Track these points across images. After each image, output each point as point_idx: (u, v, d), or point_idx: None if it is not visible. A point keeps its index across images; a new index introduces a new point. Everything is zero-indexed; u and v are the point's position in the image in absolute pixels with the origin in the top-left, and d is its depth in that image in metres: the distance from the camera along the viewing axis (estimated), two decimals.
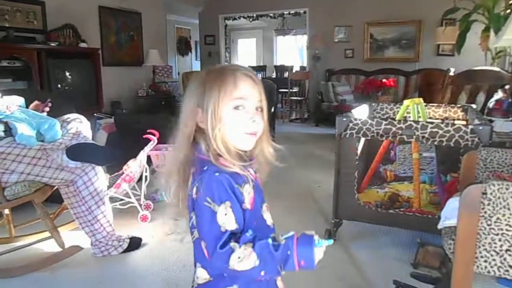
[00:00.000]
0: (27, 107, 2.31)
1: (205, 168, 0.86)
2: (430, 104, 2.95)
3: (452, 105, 3.02)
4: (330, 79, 7.21)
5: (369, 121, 2.20)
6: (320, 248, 0.84)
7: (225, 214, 0.83)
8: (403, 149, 2.94)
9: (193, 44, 10.79)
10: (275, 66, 11.12)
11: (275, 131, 5.51)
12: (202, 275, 0.92)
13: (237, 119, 0.87)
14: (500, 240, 1.20)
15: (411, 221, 2.25)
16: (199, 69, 9.57)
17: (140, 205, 2.85)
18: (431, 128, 2.06)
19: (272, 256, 0.82)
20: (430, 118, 2.84)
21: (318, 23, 7.50)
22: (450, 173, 2.69)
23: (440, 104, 3.03)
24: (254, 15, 8.83)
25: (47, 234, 2.25)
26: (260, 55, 12.43)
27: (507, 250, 1.20)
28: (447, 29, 5.54)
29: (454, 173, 2.56)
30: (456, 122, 2.54)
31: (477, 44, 4.72)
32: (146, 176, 2.94)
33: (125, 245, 2.36)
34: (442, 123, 2.08)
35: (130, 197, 2.82)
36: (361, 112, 2.72)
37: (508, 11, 4.16)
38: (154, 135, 2.85)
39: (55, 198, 2.37)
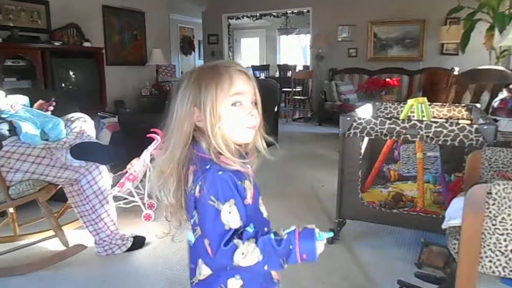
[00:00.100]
0: (31, 106, 2.32)
1: (207, 167, 0.87)
2: (434, 104, 2.94)
3: (456, 104, 3.00)
4: (333, 78, 7.20)
5: (373, 120, 2.19)
6: (321, 241, 0.88)
7: (230, 213, 0.84)
8: (407, 148, 2.93)
9: (197, 44, 10.81)
10: (278, 65, 11.11)
11: (278, 131, 5.50)
12: (204, 271, 0.93)
13: (235, 116, 0.88)
14: (505, 240, 1.19)
15: (415, 221, 2.25)
16: None
17: (144, 204, 2.86)
18: (435, 127, 2.06)
19: (275, 251, 0.83)
20: (434, 117, 2.83)
21: (321, 22, 7.49)
22: (454, 173, 2.68)
23: (444, 104, 3.02)
24: (258, 14, 8.82)
25: (51, 232, 2.26)
26: (263, 54, 12.42)
27: None
28: (451, 28, 5.52)
29: (459, 172, 2.55)
30: (460, 121, 2.52)
31: (482, 43, 4.70)
32: (149, 175, 2.94)
33: (129, 244, 2.37)
34: (446, 122, 2.08)
35: (133, 196, 2.82)
36: (364, 112, 2.72)
37: None
38: (157, 134, 2.85)
39: (59, 197, 2.38)
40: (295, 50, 12.31)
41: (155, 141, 2.85)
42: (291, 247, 0.84)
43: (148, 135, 2.86)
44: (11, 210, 2.42)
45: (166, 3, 7.01)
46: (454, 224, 1.42)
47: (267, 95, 4.76)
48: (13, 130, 2.09)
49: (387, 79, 6.28)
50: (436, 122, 2.08)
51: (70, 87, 4.86)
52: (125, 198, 2.87)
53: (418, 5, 6.51)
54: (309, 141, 5.76)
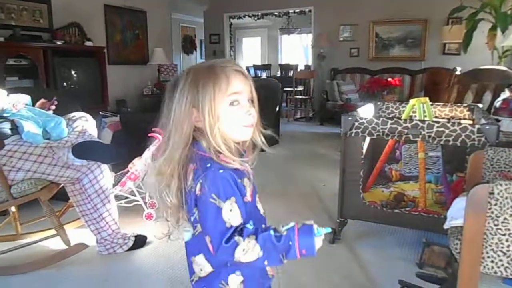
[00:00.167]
0: (33, 105, 2.32)
1: (208, 165, 0.88)
2: (436, 104, 2.93)
3: (458, 104, 3.00)
4: (335, 78, 7.19)
5: (375, 120, 2.19)
6: (320, 236, 0.88)
7: (231, 210, 0.85)
8: (409, 148, 2.93)
9: (198, 43, 10.81)
10: (280, 65, 11.11)
11: (279, 130, 5.50)
12: (206, 268, 0.94)
13: (234, 115, 0.89)
14: (507, 240, 1.19)
15: (416, 221, 2.24)
16: None
17: (145, 203, 2.86)
18: (437, 127, 2.05)
19: (274, 247, 0.85)
20: (436, 117, 2.83)
21: (323, 21, 7.48)
22: (456, 173, 2.67)
23: (446, 104, 3.02)
24: (259, 13, 8.81)
25: (53, 231, 2.27)
26: (265, 54, 12.42)
27: None
28: (453, 28, 5.51)
29: (460, 172, 2.55)
30: (462, 121, 2.52)
31: (484, 43, 4.70)
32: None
33: (130, 243, 2.37)
34: (448, 122, 2.07)
35: (135, 195, 2.83)
36: (366, 111, 2.71)
37: None
38: (159, 133, 2.85)
39: (61, 196, 2.38)
40: (297, 50, 12.29)
41: (156, 140, 2.85)
42: (290, 243, 0.85)
43: (149, 134, 2.87)
44: (13, 209, 2.43)
45: (168, 3, 7.01)
46: (456, 224, 1.42)
47: (269, 94, 4.77)
48: (15, 129, 2.10)
49: (389, 79, 6.27)
50: (438, 122, 2.08)
51: (72, 86, 4.87)
52: (127, 197, 2.87)
53: (420, 5, 6.50)
54: (310, 141, 5.76)
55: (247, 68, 11.33)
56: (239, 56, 12.37)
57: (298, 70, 9.93)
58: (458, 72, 4.24)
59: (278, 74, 10.64)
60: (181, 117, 0.89)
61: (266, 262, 0.87)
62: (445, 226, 1.49)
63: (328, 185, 3.52)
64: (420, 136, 2.10)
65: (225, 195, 0.85)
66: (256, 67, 11.15)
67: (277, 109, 5.16)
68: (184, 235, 0.99)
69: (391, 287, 1.93)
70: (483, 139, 1.96)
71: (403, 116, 2.59)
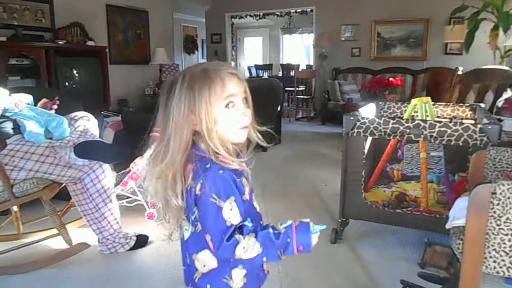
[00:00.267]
0: (35, 105, 2.33)
1: (208, 166, 0.90)
2: (438, 103, 2.93)
3: (460, 104, 2.99)
4: (336, 77, 7.19)
5: (377, 120, 2.19)
6: (316, 233, 0.93)
7: (231, 209, 0.88)
8: (411, 148, 2.93)
9: (200, 43, 10.82)
10: (282, 65, 11.10)
11: (281, 130, 5.50)
12: (210, 263, 0.96)
13: (230, 117, 0.92)
14: (509, 240, 1.19)
15: (418, 221, 2.24)
16: None
17: (147, 203, 2.86)
18: (439, 127, 2.05)
19: (273, 244, 0.89)
20: (438, 117, 2.82)
21: (325, 21, 7.47)
22: (458, 173, 2.67)
23: (448, 103, 3.01)
24: (261, 13, 8.81)
25: (54, 231, 2.27)
26: (267, 54, 12.41)
27: None
28: (455, 28, 5.49)
29: (462, 172, 2.54)
30: (464, 121, 2.52)
31: (486, 43, 4.68)
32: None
33: (132, 243, 2.37)
34: (450, 122, 2.07)
35: (137, 195, 2.83)
36: (368, 111, 2.71)
37: None
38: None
39: (63, 195, 2.39)
40: (298, 50, 12.29)
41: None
42: (288, 240, 0.89)
43: (151, 134, 2.87)
44: (15, 208, 2.44)
45: (170, 2, 7.02)
46: (458, 224, 1.42)
47: (270, 94, 4.76)
48: (17, 128, 2.10)
49: (391, 79, 6.26)
50: (440, 122, 2.08)
51: (74, 86, 4.88)
52: (128, 197, 2.87)
53: (421, 5, 6.49)
54: (312, 141, 5.76)
55: (249, 68, 11.35)
56: (241, 56, 12.38)
57: (300, 70, 9.93)
58: (460, 72, 4.23)
59: (280, 74, 10.63)
60: (181, 122, 0.90)
61: (265, 259, 0.90)
62: (447, 226, 1.49)
63: (330, 185, 3.51)
64: (422, 136, 2.10)
65: (225, 195, 0.88)
66: (257, 67, 11.15)
67: (279, 109, 5.15)
68: (184, 234, 1.00)
69: (393, 287, 1.93)
70: (485, 139, 1.96)
71: (405, 116, 2.59)
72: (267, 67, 11.09)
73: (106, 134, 3.59)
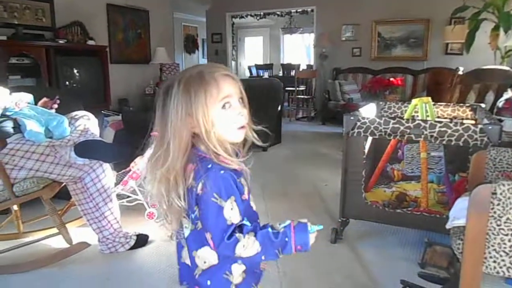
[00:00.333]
0: (35, 104, 2.33)
1: (209, 166, 0.91)
2: (439, 103, 2.93)
3: (461, 104, 2.99)
4: (337, 77, 7.19)
5: (377, 120, 2.19)
6: (313, 233, 0.95)
7: (231, 209, 0.90)
8: (411, 148, 2.93)
9: (200, 42, 10.82)
10: (282, 65, 11.10)
11: (281, 130, 5.49)
12: (211, 259, 0.98)
13: (227, 118, 0.93)
14: (510, 240, 1.19)
15: (418, 221, 2.24)
16: None
17: (147, 202, 2.86)
18: (439, 127, 2.05)
19: (272, 243, 0.92)
20: (439, 117, 2.82)
21: (325, 21, 7.47)
22: (458, 173, 2.67)
23: (449, 103, 3.01)
24: (261, 13, 8.81)
25: (55, 230, 2.27)
26: (267, 53, 12.42)
27: None
28: (456, 28, 5.49)
29: (463, 172, 2.54)
30: (465, 121, 2.51)
31: (487, 43, 4.68)
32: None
33: (132, 242, 2.37)
34: (450, 122, 2.07)
35: (137, 195, 2.83)
36: (368, 111, 2.71)
37: None
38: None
39: (63, 195, 2.39)
40: (299, 49, 12.29)
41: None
42: (287, 239, 0.92)
43: (152, 133, 2.87)
44: (15, 207, 2.44)
45: (170, 2, 7.02)
46: (458, 224, 1.42)
47: (271, 94, 4.76)
48: (18, 127, 2.10)
49: (391, 79, 6.26)
50: (440, 122, 2.08)
51: (74, 85, 4.88)
52: (129, 196, 2.87)
53: (422, 5, 6.49)
54: (312, 141, 5.75)
55: (249, 68, 11.35)
56: (241, 56, 12.38)
57: (300, 69, 9.92)
58: (460, 72, 4.23)
59: (280, 73, 10.63)
60: (179, 126, 0.92)
61: (263, 257, 0.93)
62: (447, 226, 1.49)
63: (330, 185, 3.52)
64: (423, 136, 2.10)
65: (226, 195, 0.90)
66: (258, 67, 11.15)
67: (279, 108, 5.15)
68: (184, 232, 1.01)
69: (393, 287, 1.93)
70: (485, 139, 1.96)
71: (406, 116, 2.59)
72: (267, 67, 11.09)
73: (107, 133, 3.59)
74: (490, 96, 3.47)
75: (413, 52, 6.87)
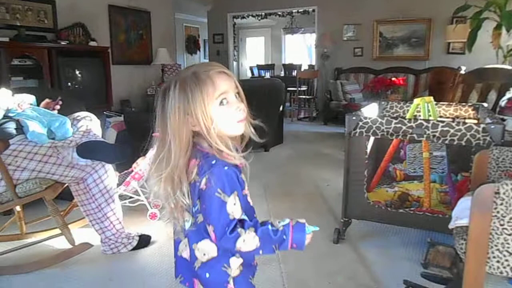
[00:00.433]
0: (38, 105, 2.33)
1: (213, 162, 0.94)
2: (441, 103, 2.92)
3: (463, 103, 2.98)
4: (338, 77, 7.18)
5: (379, 119, 2.19)
6: (309, 234, 0.99)
7: (234, 204, 0.93)
8: (413, 148, 2.92)
9: (202, 43, 10.83)
10: (284, 65, 11.10)
11: (283, 130, 5.49)
12: (211, 252, 1.00)
13: (225, 113, 0.96)
14: None
15: (421, 221, 2.23)
16: None
17: (149, 203, 2.87)
18: (442, 127, 2.04)
19: (271, 239, 0.96)
20: (441, 116, 2.82)
21: (327, 21, 7.47)
22: (461, 172, 2.66)
23: (451, 103, 3.00)
24: (263, 13, 8.81)
25: (57, 231, 2.27)
26: (269, 54, 12.41)
27: None
28: (458, 27, 5.49)
29: (465, 172, 2.53)
30: (467, 121, 2.51)
31: (489, 42, 4.68)
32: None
33: (135, 243, 2.38)
34: (453, 121, 2.06)
35: (139, 195, 2.83)
36: (370, 111, 2.71)
37: None
38: None
39: (65, 195, 2.40)
40: (300, 50, 12.28)
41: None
42: (284, 237, 0.97)
43: (154, 134, 2.87)
44: (18, 208, 2.44)
45: (172, 3, 7.02)
46: (461, 224, 1.41)
47: (272, 94, 4.76)
48: (20, 128, 2.11)
49: (393, 78, 6.25)
50: (442, 122, 2.07)
51: (76, 86, 4.88)
52: (131, 197, 2.88)
53: (424, 4, 6.48)
54: (314, 141, 5.75)
55: (251, 68, 11.35)
56: (243, 56, 12.38)
57: (302, 69, 9.93)
58: (462, 72, 4.22)
59: (282, 74, 10.63)
60: (178, 126, 0.95)
61: (261, 252, 0.97)
62: (450, 226, 1.48)
63: (332, 185, 3.51)
64: (425, 135, 2.09)
65: (230, 190, 0.93)
66: (259, 67, 11.15)
67: (281, 108, 5.15)
68: (184, 225, 1.04)
69: (396, 287, 1.93)
70: (488, 138, 1.95)
71: (408, 116, 2.58)
72: (269, 67, 11.09)
73: (109, 134, 3.60)
74: (492, 95, 3.46)
75: (415, 52, 6.86)
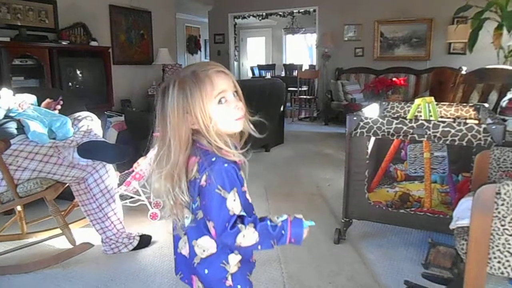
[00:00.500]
0: (39, 105, 2.33)
1: (213, 159, 0.96)
2: (442, 103, 2.92)
3: (464, 104, 2.98)
4: (339, 77, 7.18)
5: (380, 120, 2.18)
6: (306, 228, 1.01)
7: (234, 200, 0.95)
8: (414, 148, 2.92)
9: (203, 43, 10.83)
10: (284, 65, 11.11)
11: (284, 130, 5.49)
12: (210, 248, 1.02)
13: (224, 112, 0.98)
14: None
15: (422, 221, 2.23)
16: None
17: (150, 203, 2.87)
18: (443, 127, 2.04)
19: (270, 235, 0.98)
20: (442, 117, 2.81)
21: (327, 21, 7.47)
22: (462, 173, 2.66)
23: (452, 103, 3.00)
24: (264, 13, 8.82)
25: (58, 231, 2.27)
26: (269, 54, 12.42)
27: None
28: (459, 27, 5.48)
29: (466, 172, 2.53)
30: (468, 121, 2.51)
31: (490, 43, 4.67)
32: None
33: (135, 243, 2.38)
34: (454, 122, 2.06)
35: (140, 195, 2.83)
36: (371, 111, 2.71)
37: None
38: None
39: (66, 195, 2.40)
40: (301, 50, 12.29)
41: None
42: (283, 232, 0.99)
43: (154, 134, 2.87)
44: (18, 208, 2.44)
45: (173, 3, 7.02)
46: (462, 224, 1.41)
47: (273, 94, 4.76)
48: (21, 128, 2.11)
49: (394, 79, 6.24)
50: (443, 122, 2.07)
51: (77, 86, 4.89)
52: (132, 197, 2.88)
53: (425, 4, 6.48)
54: (315, 141, 5.75)
55: (252, 68, 11.35)
56: (244, 56, 12.39)
57: (303, 70, 9.92)
58: (463, 72, 4.22)
59: (283, 74, 10.64)
60: (177, 124, 0.97)
61: (259, 247, 0.98)
62: (451, 226, 1.48)
63: (333, 185, 3.51)
64: (426, 136, 2.09)
65: (229, 186, 0.95)
66: (260, 67, 11.16)
67: (282, 109, 5.15)
68: (184, 222, 1.05)
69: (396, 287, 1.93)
70: (489, 139, 1.95)
71: (409, 116, 2.58)
72: (270, 67, 11.10)
73: (110, 134, 3.60)
74: (493, 96, 3.46)
75: (416, 52, 6.86)
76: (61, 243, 2.36)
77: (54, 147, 2.11)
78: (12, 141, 2.05)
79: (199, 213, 1.01)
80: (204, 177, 0.95)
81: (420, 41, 6.78)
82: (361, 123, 2.22)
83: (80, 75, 4.94)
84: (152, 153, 2.94)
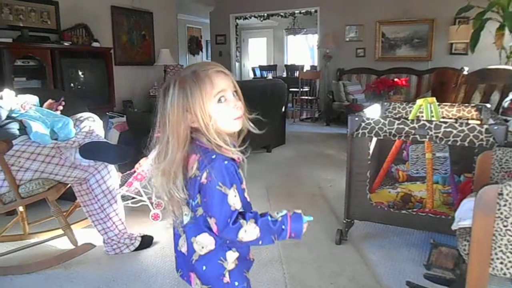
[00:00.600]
0: (41, 105, 2.34)
1: (213, 157, 0.98)
2: (443, 104, 2.92)
3: (466, 104, 2.98)
4: (341, 78, 7.18)
5: (382, 120, 2.18)
6: (305, 223, 1.03)
7: (235, 196, 0.98)
8: (416, 149, 2.91)
9: (204, 44, 10.85)
10: (286, 66, 11.11)
11: (285, 131, 5.49)
12: (209, 245, 1.04)
13: (223, 111, 1.00)
14: None
15: (424, 222, 2.23)
16: None
17: (152, 203, 2.87)
18: (445, 127, 2.04)
19: (270, 230, 1.00)
20: (444, 117, 2.81)
21: (329, 22, 7.47)
22: (464, 174, 2.65)
23: (454, 104, 3.00)
24: (265, 14, 8.82)
25: (60, 231, 2.28)
26: (271, 55, 12.42)
27: None
28: (461, 28, 5.48)
29: (468, 173, 2.53)
30: (470, 121, 2.50)
31: (491, 43, 4.66)
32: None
33: (137, 243, 2.38)
34: (456, 122, 2.06)
35: (141, 196, 2.84)
36: (373, 112, 2.70)
37: None
38: None
39: (68, 196, 2.40)
40: (303, 50, 12.29)
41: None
42: (283, 227, 1.01)
43: (156, 135, 2.87)
44: (20, 208, 2.45)
45: (174, 4, 7.03)
46: (464, 225, 1.41)
47: (275, 95, 4.76)
48: (23, 129, 2.12)
49: (396, 79, 6.23)
50: (445, 122, 2.07)
51: (79, 87, 4.90)
52: (133, 198, 2.88)
53: (426, 5, 6.47)
54: (316, 141, 5.75)
55: (253, 69, 11.36)
56: (245, 57, 12.39)
57: (304, 70, 9.93)
58: (465, 72, 4.22)
59: (284, 74, 10.64)
60: (176, 122, 0.99)
61: (260, 242, 1.00)
62: (453, 227, 1.48)
63: (335, 186, 3.51)
64: (428, 136, 2.09)
65: (230, 183, 0.97)
66: (262, 68, 11.16)
67: (283, 109, 5.15)
68: (183, 219, 1.07)
69: None
70: (491, 139, 1.94)
71: (410, 117, 2.58)
72: (271, 68, 11.10)
73: (111, 135, 3.61)
74: (495, 96, 3.45)
75: (418, 52, 6.85)
76: (63, 244, 2.36)
77: (56, 148, 2.12)
78: (14, 141, 2.05)
79: (198, 210, 1.02)
80: (204, 175, 0.97)
81: (422, 42, 6.77)
82: (363, 124, 2.22)
83: (82, 76, 4.95)
84: (153, 154, 2.95)
